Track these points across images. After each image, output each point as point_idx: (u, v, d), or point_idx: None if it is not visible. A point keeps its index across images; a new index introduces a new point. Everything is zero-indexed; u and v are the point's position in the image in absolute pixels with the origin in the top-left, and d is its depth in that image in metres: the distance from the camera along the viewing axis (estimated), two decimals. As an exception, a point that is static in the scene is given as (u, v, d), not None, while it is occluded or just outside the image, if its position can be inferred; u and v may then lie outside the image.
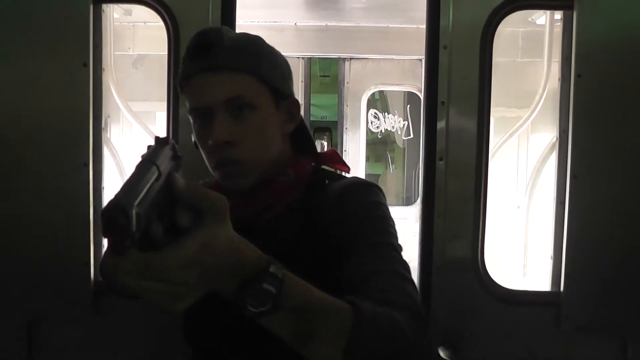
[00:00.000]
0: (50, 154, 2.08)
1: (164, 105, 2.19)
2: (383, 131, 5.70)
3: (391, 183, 7.13)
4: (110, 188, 2.23)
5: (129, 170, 0.90)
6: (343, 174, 1.57)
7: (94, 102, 2.10)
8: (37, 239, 2.09)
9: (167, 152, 0.95)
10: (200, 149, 1.42)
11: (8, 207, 2.09)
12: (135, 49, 3.51)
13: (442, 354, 2.10)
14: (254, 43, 1.44)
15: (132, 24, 3.48)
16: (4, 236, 2.10)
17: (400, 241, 1.36)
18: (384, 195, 1.44)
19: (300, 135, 1.53)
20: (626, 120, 2.05)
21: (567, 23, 2.15)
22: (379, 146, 6.20)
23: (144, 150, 0.94)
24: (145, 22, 3.42)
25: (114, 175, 2.44)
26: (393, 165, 6.55)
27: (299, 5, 4.25)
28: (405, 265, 1.30)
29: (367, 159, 5.77)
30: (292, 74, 1.50)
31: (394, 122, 5.65)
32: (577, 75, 2.06)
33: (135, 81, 3.32)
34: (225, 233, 0.90)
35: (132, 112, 2.68)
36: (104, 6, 2.17)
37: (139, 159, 0.87)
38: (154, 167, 0.84)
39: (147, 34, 3.39)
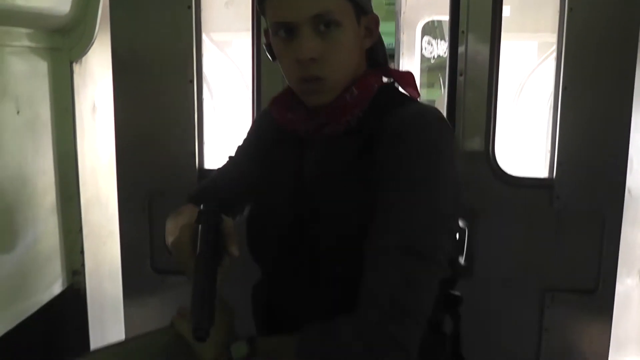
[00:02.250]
0: (164, 73, 2.55)
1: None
2: (436, 57, 6.21)
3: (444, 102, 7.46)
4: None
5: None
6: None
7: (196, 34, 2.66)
8: (157, 137, 2.52)
9: (211, 223, 1.28)
10: (280, 63, 1.44)
11: (135, 117, 2.47)
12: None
13: (460, 223, 2.71)
14: None
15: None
16: (136, 140, 2.49)
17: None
18: (449, 132, 1.37)
19: (377, 51, 1.52)
20: (612, 43, 2.56)
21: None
22: (433, 72, 6.62)
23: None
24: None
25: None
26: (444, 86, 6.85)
27: None
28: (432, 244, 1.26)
29: (422, 85, 6.27)
30: None
31: (445, 48, 6.11)
32: (570, 9, 2.60)
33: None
34: None
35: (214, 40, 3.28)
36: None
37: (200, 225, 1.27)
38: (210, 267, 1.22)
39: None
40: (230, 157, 1.69)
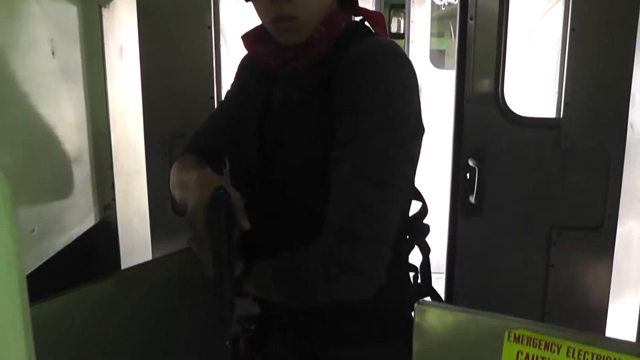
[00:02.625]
0: (184, 20, 2.63)
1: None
2: (446, 4, 6.24)
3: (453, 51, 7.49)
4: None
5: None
6: None
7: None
8: (177, 81, 2.60)
9: (223, 208, 1.26)
10: (254, 3, 1.47)
11: (158, 62, 2.56)
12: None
13: (471, 163, 2.82)
14: None
15: None
16: (159, 84, 2.56)
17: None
18: (404, 63, 1.39)
19: None
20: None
21: None
22: (443, 20, 6.63)
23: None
24: None
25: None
26: (454, 34, 6.93)
27: None
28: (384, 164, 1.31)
29: (432, 34, 6.30)
30: None
31: (456, -6, 6.16)
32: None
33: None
34: None
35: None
36: None
37: (210, 207, 1.25)
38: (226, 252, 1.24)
39: None
40: (220, 103, 1.77)
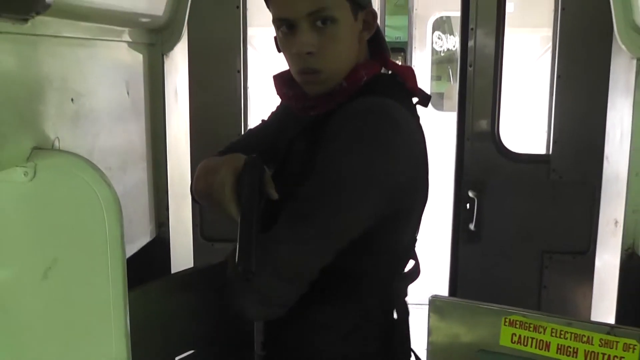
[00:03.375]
0: (219, 64, 3.01)
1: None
2: (445, 50, 6.70)
3: (453, 92, 7.97)
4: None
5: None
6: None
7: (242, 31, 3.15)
8: (214, 116, 2.91)
9: (257, 171, 1.36)
10: (284, 54, 1.54)
11: (202, 100, 2.91)
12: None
13: (471, 194, 3.15)
14: None
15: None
16: (203, 118, 2.91)
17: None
18: (390, 127, 1.41)
19: (378, 42, 1.61)
20: (595, 39, 2.90)
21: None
22: (442, 64, 7.06)
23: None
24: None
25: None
26: (453, 78, 7.40)
27: None
28: (295, 239, 1.37)
29: (432, 78, 6.71)
30: None
31: (454, 42, 6.63)
32: (562, 8, 3.06)
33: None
34: None
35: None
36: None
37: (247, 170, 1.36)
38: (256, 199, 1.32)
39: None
40: (262, 120, 1.85)
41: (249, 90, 3.27)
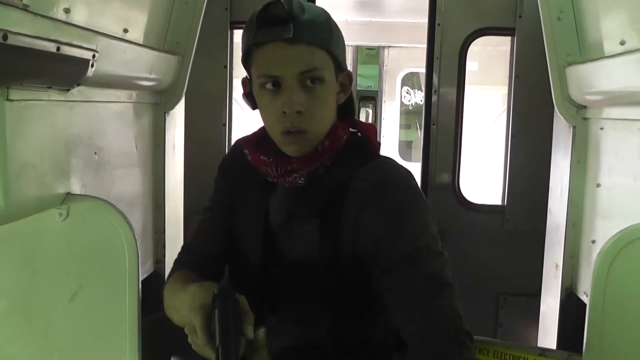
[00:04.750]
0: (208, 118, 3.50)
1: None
2: (414, 104, 7.17)
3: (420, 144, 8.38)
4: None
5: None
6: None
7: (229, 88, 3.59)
8: (203, 164, 3.11)
9: (229, 305, 1.24)
10: (262, 112, 1.51)
11: (194, 149, 3.28)
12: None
13: None
14: (327, 18, 1.50)
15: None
16: (194, 166, 3.24)
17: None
18: (414, 181, 1.50)
19: (348, 104, 1.61)
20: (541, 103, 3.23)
21: (511, 43, 3.57)
22: (411, 115, 7.48)
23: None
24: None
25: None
26: (420, 130, 7.83)
27: (349, 6, 5.49)
28: (439, 266, 1.41)
29: (401, 126, 7.17)
30: None
31: (422, 97, 7.10)
32: (516, 76, 3.50)
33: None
34: None
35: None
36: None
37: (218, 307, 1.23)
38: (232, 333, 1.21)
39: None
40: (205, 210, 1.74)
41: (232, 139, 3.68)
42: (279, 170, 1.52)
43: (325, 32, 1.48)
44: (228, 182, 1.70)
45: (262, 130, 1.62)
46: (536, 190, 3.35)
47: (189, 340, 1.33)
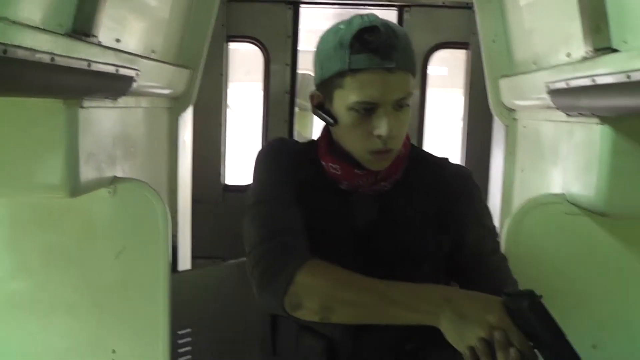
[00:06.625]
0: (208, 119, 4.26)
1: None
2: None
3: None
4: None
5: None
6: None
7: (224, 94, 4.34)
8: (204, 160, 4.02)
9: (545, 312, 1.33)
10: (348, 132, 1.59)
11: (199, 149, 3.93)
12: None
13: None
14: (410, 42, 1.58)
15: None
16: (200, 163, 3.88)
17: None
18: None
19: None
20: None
21: (467, 56, 4.28)
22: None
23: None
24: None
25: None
26: None
27: (328, 16, 5.45)
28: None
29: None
30: None
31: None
32: (471, 83, 4.20)
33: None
34: None
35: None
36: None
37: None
38: None
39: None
40: (264, 202, 1.70)
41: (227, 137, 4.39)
42: (368, 180, 1.67)
43: (413, 58, 1.58)
44: (300, 178, 1.73)
45: (327, 140, 1.75)
46: (481, 176, 3.86)
47: (479, 353, 1.34)
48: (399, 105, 1.54)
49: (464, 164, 3.84)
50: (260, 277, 1.55)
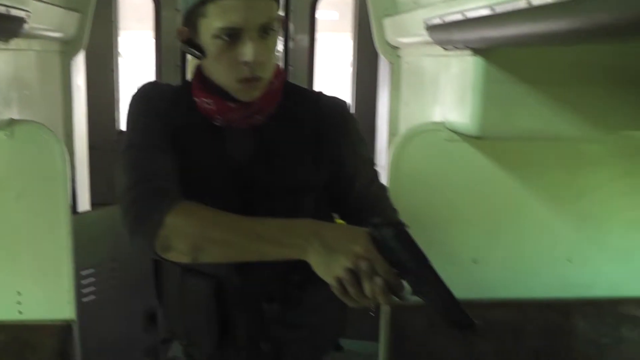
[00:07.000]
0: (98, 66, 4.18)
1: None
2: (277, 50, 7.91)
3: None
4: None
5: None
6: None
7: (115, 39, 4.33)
8: (98, 103, 3.96)
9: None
10: (215, 62, 1.59)
11: (92, 93, 3.79)
12: None
13: None
14: None
15: None
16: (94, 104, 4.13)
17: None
18: None
19: None
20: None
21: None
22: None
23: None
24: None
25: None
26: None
27: None
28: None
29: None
30: None
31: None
32: (359, 24, 4.41)
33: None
34: None
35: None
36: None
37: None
38: None
39: None
40: (134, 146, 1.70)
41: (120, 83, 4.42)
42: (241, 114, 1.68)
43: None
44: (169, 124, 1.72)
45: (200, 78, 1.76)
46: (369, 114, 4.14)
47: (346, 283, 1.36)
48: (264, 31, 1.55)
49: (353, 104, 4.16)
50: (132, 222, 1.54)
